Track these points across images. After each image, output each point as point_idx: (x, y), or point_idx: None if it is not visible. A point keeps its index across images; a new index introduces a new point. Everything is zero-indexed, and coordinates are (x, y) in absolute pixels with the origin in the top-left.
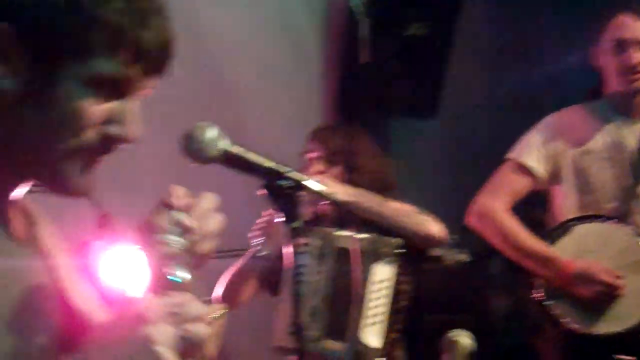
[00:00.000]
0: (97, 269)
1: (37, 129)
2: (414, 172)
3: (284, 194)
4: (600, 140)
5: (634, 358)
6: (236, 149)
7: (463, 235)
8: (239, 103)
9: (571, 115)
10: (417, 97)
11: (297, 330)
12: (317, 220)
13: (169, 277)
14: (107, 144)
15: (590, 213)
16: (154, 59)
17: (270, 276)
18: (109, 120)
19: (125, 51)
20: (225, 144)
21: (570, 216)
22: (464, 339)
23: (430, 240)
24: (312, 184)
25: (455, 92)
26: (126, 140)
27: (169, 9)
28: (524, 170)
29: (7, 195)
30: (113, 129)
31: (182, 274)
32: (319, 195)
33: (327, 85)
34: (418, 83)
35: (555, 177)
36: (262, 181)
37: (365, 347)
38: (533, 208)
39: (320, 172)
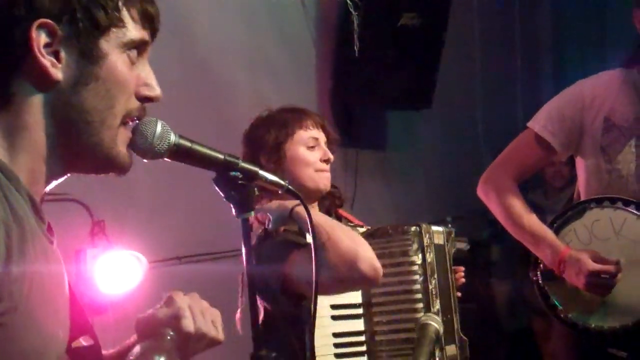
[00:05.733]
0: (91, 275)
1: (94, 102)
2: (410, 163)
3: (236, 185)
4: (629, 114)
5: (626, 353)
6: (186, 143)
7: (461, 223)
8: (230, 98)
9: (600, 83)
10: (412, 88)
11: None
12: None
13: None
14: (142, 106)
15: (611, 195)
16: (154, 25)
17: None
18: (140, 83)
19: (139, 19)
20: (174, 138)
21: (592, 195)
22: (433, 322)
23: (355, 277)
24: (266, 174)
25: (449, 81)
26: (156, 99)
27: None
28: (541, 141)
29: (44, 192)
30: (146, 91)
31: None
32: (273, 185)
33: (319, 77)
34: (412, 73)
35: (577, 149)
36: (214, 173)
37: (464, 341)
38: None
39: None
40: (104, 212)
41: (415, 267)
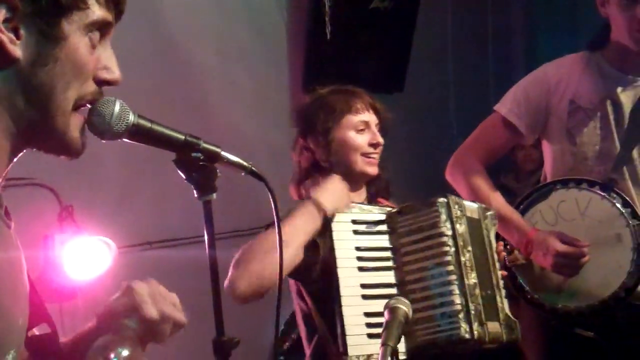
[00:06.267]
0: (60, 261)
1: (51, 85)
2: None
3: (198, 166)
4: (593, 96)
5: (592, 333)
6: (145, 122)
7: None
8: (201, 82)
9: (564, 66)
10: (383, 71)
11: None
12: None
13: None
14: (99, 90)
15: (577, 176)
16: (120, 6)
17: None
18: (100, 66)
19: (104, 0)
20: (133, 118)
21: (558, 177)
22: (402, 306)
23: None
24: (228, 155)
25: (421, 65)
26: (115, 82)
27: None
28: (508, 124)
29: (4, 173)
30: (105, 74)
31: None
32: (235, 166)
33: (291, 60)
34: (383, 57)
35: (542, 132)
36: (175, 154)
37: (512, 322)
38: (504, 174)
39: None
40: (73, 196)
41: (445, 238)
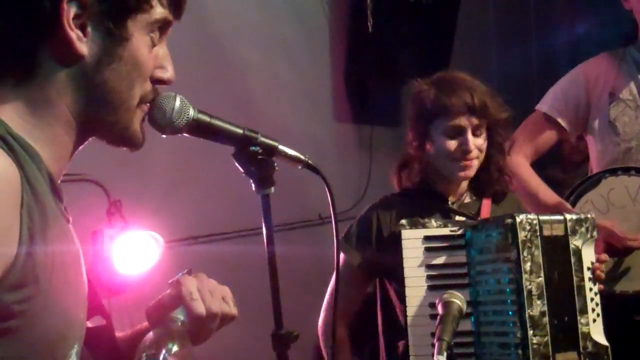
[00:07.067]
0: (109, 256)
1: (115, 83)
2: None
3: (256, 160)
4: (631, 87)
5: None
6: (205, 117)
7: None
8: (245, 78)
9: (601, 63)
10: (426, 64)
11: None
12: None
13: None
14: (155, 88)
15: (622, 165)
16: (181, 6)
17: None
18: (156, 65)
19: (166, 1)
20: (193, 113)
21: (603, 168)
22: (456, 300)
23: None
24: (285, 148)
25: (463, 57)
26: (169, 82)
27: None
28: (550, 121)
29: (64, 168)
30: (160, 73)
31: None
32: (292, 160)
33: (333, 54)
34: (426, 49)
35: (585, 127)
36: (234, 148)
37: (600, 347)
38: (552, 166)
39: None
40: (121, 192)
41: (510, 265)
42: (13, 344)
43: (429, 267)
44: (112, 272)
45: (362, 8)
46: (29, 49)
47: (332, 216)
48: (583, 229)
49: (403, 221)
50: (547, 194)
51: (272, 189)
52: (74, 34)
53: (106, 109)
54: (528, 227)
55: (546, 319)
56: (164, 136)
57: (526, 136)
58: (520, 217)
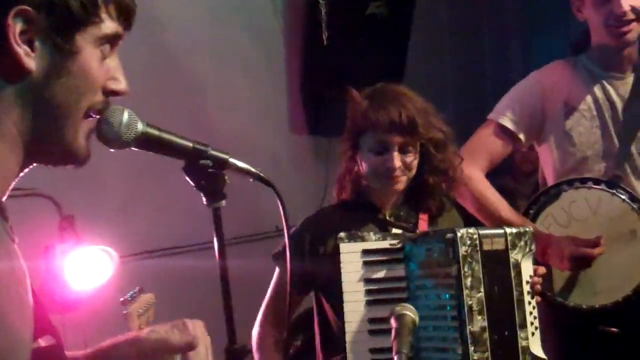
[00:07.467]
0: (61, 271)
1: (63, 97)
2: None
3: (206, 173)
4: (586, 97)
5: (617, 330)
6: (153, 131)
7: None
8: (200, 92)
9: (555, 72)
10: (380, 76)
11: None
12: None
13: None
14: (106, 100)
15: (579, 176)
16: (130, 19)
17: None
18: (108, 77)
19: (112, 9)
20: (141, 126)
21: (560, 179)
22: (409, 312)
23: None
24: (236, 161)
25: (418, 69)
26: (122, 93)
27: None
28: (504, 131)
29: (9, 188)
30: (113, 85)
31: None
32: (243, 173)
33: (289, 67)
34: (380, 61)
35: (539, 137)
36: (183, 162)
37: None
38: (502, 175)
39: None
40: (73, 206)
41: (450, 280)
42: None
43: (368, 281)
44: (65, 288)
45: (317, 20)
46: None
47: (284, 228)
48: (522, 243)
49: (341, 234)
50: (509, 213)
51: (224, 202)
52: (21, 49)
53: (53, 123)
54: (468, 242)
55: (486, 335)
56: (112, 150)
57: (479, 147)
58: (460, 232)
